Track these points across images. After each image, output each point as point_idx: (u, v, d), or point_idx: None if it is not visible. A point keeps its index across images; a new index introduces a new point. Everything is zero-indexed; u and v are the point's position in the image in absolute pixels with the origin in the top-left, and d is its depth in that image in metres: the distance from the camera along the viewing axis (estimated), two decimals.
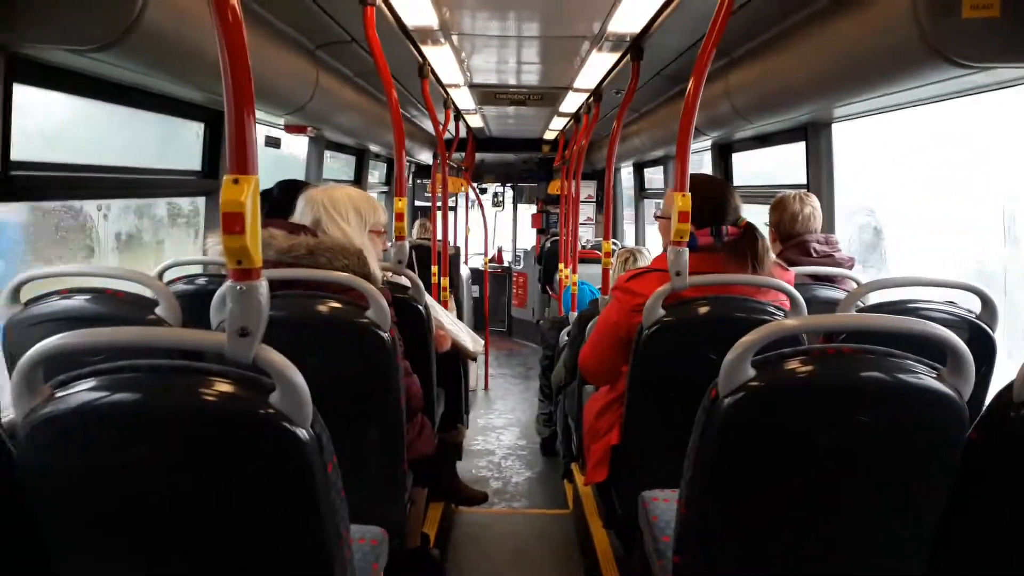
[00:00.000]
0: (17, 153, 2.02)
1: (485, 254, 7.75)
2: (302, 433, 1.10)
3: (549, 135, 7.64)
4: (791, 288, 1.96)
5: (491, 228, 8.77)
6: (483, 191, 9.87)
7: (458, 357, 3.21)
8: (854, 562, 1.38)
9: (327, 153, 4.88)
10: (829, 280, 2.68)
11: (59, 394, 1.10)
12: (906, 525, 1.33)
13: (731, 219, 2.09)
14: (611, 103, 4.78)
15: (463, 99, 5.19)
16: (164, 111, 2.88)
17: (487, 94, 5.01)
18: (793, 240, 2.81)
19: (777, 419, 1.29)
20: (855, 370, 1.27)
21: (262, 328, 1.10)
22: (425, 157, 7.63)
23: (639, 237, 7.31)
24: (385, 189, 6.99)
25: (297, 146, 4.66)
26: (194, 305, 2.12)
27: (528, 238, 9.96)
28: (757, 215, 3.13)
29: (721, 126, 3.79)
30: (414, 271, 2.61)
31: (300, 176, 4.51)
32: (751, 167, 4.40)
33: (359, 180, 5.85)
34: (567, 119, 6.13)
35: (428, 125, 6.50)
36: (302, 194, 2.18)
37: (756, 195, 4.20)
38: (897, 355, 1.27)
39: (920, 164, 3.52)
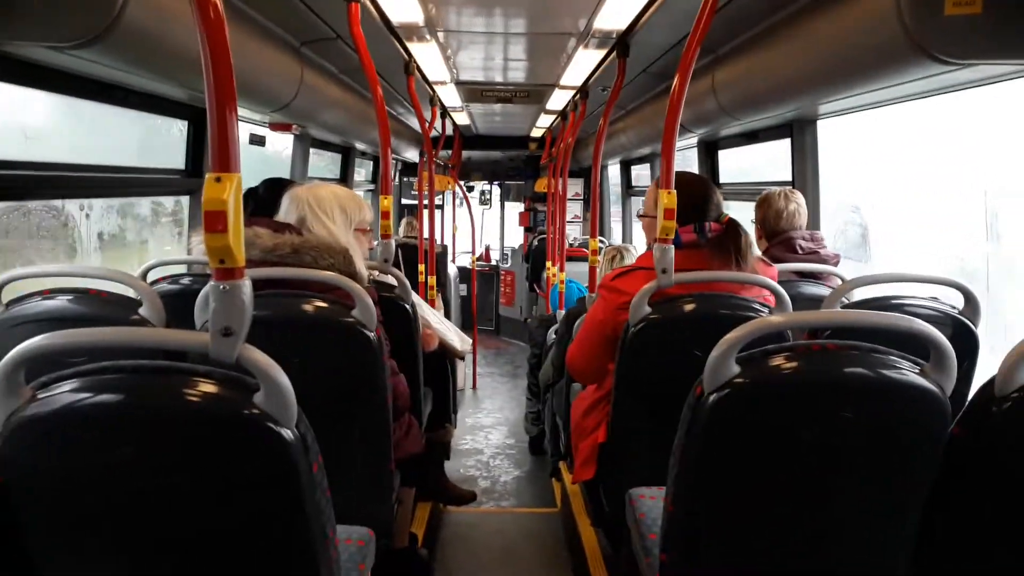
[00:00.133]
0: None
1: (472, 252, 7.74)
2: (287, 433, 1.09)
3: (536, 132, 7.64)
4: (776, 285, 1.97)
5: (478, 226, 8.76)
6: (470, 189, 9.86)
7: (446, 356, 3.20)
8: (839, 558, 1.39)
9: (312, 151, 4.86)
10: (814, 277, 2.69)
11: (41, 395, 1.09)
12: (890, 520, 1.34)
13: (714, 215, 2.10)
14: (598, 100, 4.78)
15: (449, 96, 5.18)
16: (147, 109, 2.86)
17: (473, 91, 5.00)
18: (778, 237, 2.82)
19: (762, 415, 1.30)
20: (839, 366, 1.28)
21: (246, 328, 1.10)
22: (412, 155, 7.61)
23: (626, 235, 7.33)
24: (371, 187, 6.96)
25: (282, 144, 4.64)
26: (178, 305, 2.10)
27: (515, 236, 9.96)
28: (743, 212, 3.15)
29: (707, 123, 3.80)
30: (400, 270, 2.60)
31: (285, 174, 4.50)
32: (741, 164, 4.41)
33: (345, 178, 5.82)
34: (554, 116, 6.13)
35: (414, 122, 6.48)
36: (287, 192, 2.17)
37: (742, 192, 4.22)
38: (881, 351, 1.28)
39: (904, 160, 3.54)
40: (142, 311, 1.89)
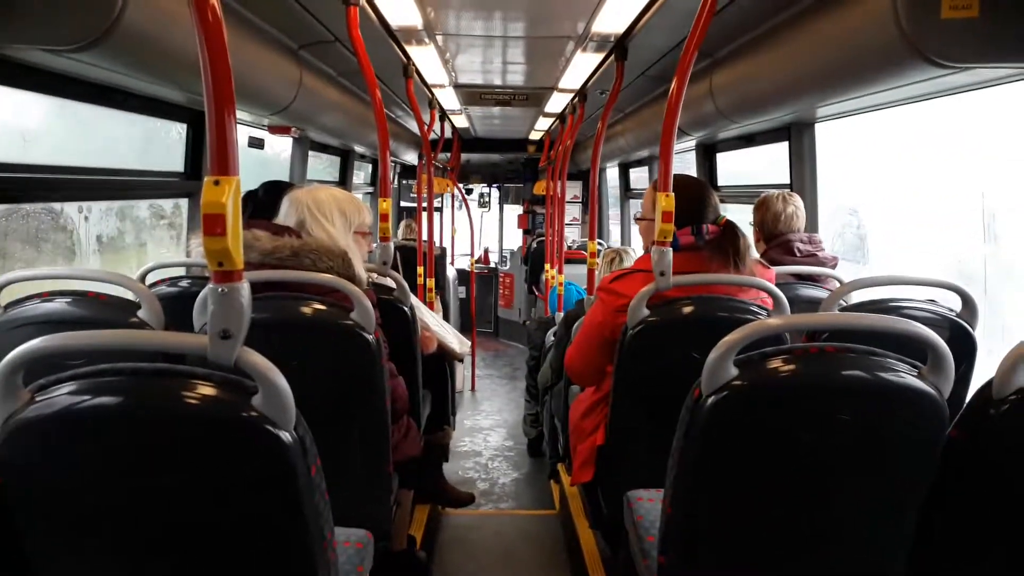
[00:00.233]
0: None
1: (471, 255, 7.74)
2: (285, 436, 1.09)
3: (534, 135, 7.65)
4: (774, 287, 1.98)
5: (477, 229, 8.76)
6: (469, 192, 9.87)
7: (444, 358, 3.20)
8: (837, 559, 1.39)
9: (311, 153, 4.86)
10: (812, 279, 2.69)
11: (39, 398, 1.09)
12: (887, 522, 1.34)
13: (711, 218, 2.10)
14: (596, 103, 4.79)
15: (448, 99, 5.18)
16: (146, 112, 2.86)
17: (472, 94, 5.01)
18: (776, 239, 2.82)
19: (759, 418, 1.30)
20: (837, 369, 1.28)
21: (244, 330, 1.10)
22: (411, 158, 7.61)
23: (625, 237, 7.33)
24: (370, 190, 6.97)
25: (281, 146, 4.64)
26: (177, 307, 2.10)
27: (514, 239, 9.96)
28: (741, 215, 3.16)
29: (705, 126, 3.80)
30: (399, 272, 2.60)
31: (284, 177, 4.50)
32: (740, 167, 4.42)
33: (344, 181, 5.83)
34: (552, 119, 6.14)
35: (413, 125, 6.48)
36: (286, 195, 2.17)
37: (740, 195, 4.23)
38: (879, 354, 1.28)
39: (902, 163, 3.55)
40: (141, 314, 1.89)
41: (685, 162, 4.78)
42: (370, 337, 1.84)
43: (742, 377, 1.28)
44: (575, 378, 2.43)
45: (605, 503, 2.18)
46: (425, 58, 3.71)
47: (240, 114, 3.31)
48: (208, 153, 1.07)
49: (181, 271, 2.76)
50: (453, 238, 8.55)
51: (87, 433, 1.09)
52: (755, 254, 2.19)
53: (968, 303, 2.03)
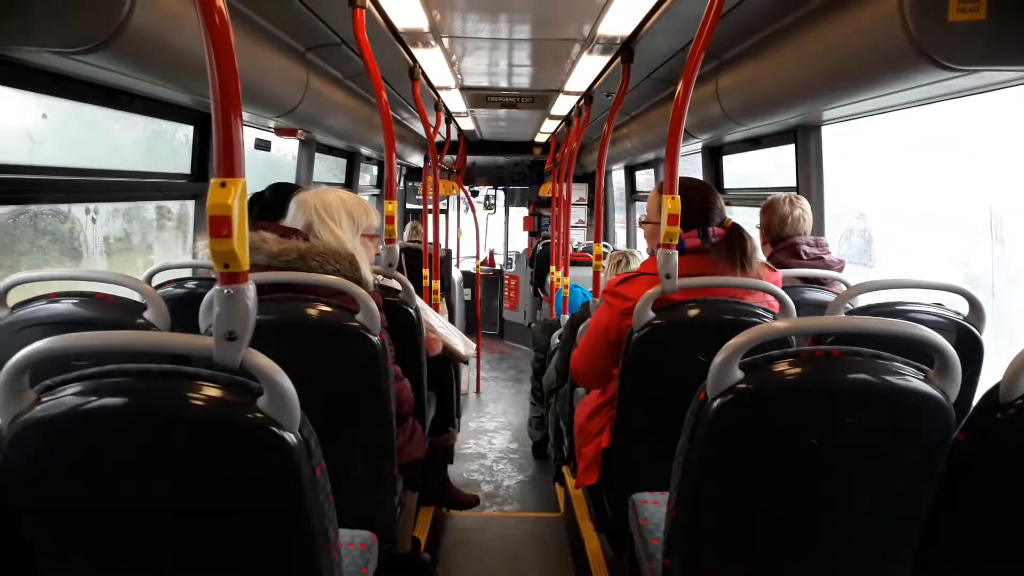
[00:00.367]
0: (1, 156, 2.01)
1: (477, 257, 7.75)
2: (290, 437, 1.09)
3: (540, 138, 7.65)
4: (780, 290, 1.97)
5: (483, 231, 8.77)
6: (475, 194, 9.88)
7: (449, 360, 3.20)
8: (842, 562, 1.39)
9: (317, 155, 4.87)
10: (819, 282, 2.69)
11: (46, 399, 1.09)
12: (893, 525, 1.33)
13: (717, 220, 2.10)
14: (602, 106, 4.79)
15: (454, 101, 5.19)
16: (152, 114, 2.87)
17: (478, 96, 5.01)
18: (783, 242, 2.82)
19: (765, 421, 1.30)
20: (843, 372, 1.27)
21: (249, 332, 1.10)
22: (416, 160, 7.62)
23: (630, 240, 7.33)
24: (376, 192, 6.98)
25: (288, 147, 4.65)
26: (184, 309, 2.11)
27: (520, 241, 9.96)
28: (748, 217, 3.15)
29: (711, 129, 3.80)
30: (405, 274, 2.61)
31: (291, 178, 4.51)
32: (747, 170, 4.41)
33: (350, 183, 5.84)
34: (558, 122, 6.14)
35: (419, 127, 6.49)
36: (294, 197, 2.17)
37: (746, 197, 4.22)
38: (885, 357, 1.28)
39: (910, 165, 3.54)
40: (147, 315, 1.90)
41: (692, 164, 4.77)
42: (375, 339, 1.85)
43: (748, 380, 1.27)
44: (580, 381, 2.43)
45: (610, 506, 2.17)
46: (431, 60, 3.71)
47: (247, 116, 3.32)
48: (214, 155, 1.07)
49: (188, 272, 2.77)
50: (459, 240, 8.55)
51: (93, 434, 1.10)
52: (761, 257, 2.18)
53: (975, 306, 2.02)
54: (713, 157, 4.53)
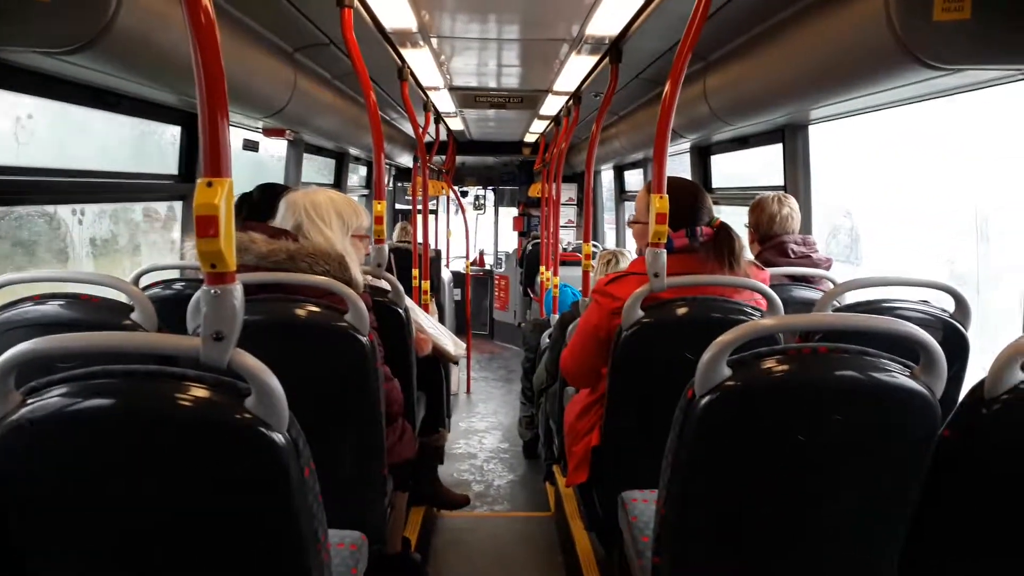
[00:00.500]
0: None
1: (467, 257, 7.74)
2: (278, 437, 1.09)
3: (529, 138, 7.65)
4: (767, 288, 1.98)
5: (472, 231, 8.76)
6: (464, 194, 9.87)
7: (439, 361, 3.20)
8: (830, 558, 1.40)
9: (306, 156, 4.86)
10: (806, 280, 2.70)
11: (31, 400, 1.08)
12: (880, 521, 1.34)
13: (705, 219, 2.11)
14: (591, 106, 4.80)
15: (443, 102, 5.19)
16: (139, 114, 2.86)
17: (467, 97, 5.01)
18: (771, 241, 2.83)
19: (753, 418, 1.30)
20: (830, 369, 1.28)
21: (237, 332, 1.09)
22: (405, 160, 7.61)
23: (620, 239, 7.34)
24: (366, 192, 6.96)
25: (276, 148, 4.63)
26: (171, 310, 2.10)
27: (509, 241, 9.97)
28: (736, 216, 3.16)
29: (699, 128, 3.81)
30: (394, 274, 2.60)
31: (280, 178, 4.50)
32: (735, 169, 4.43)
33: (339, 183, 5.82)
34: (547, 122, 6.14)
35: (408, 128, 6.48)
36: (283, 198, 2.17)
37: (734, 197, 4.24)
38: (872, 354, 1.28)
39: (896, 164, 3.56)
40: (134, 316, 1.88)
41: (680, 164, 4.78)
42: (364, 339, 1.84)
43: (735, 378, 1.28)
44: (570, 380, 2.43)
45: (600, 504, 2.18)
46: (420, 61, 3.71)
47: (235, 116, 3.31)
48: (201, 155, 1.07)
49: (176, 274, 2.76)
50: (448, 240, 8.54)
51: (79, 435, 1.09)
52: (749, 255, 2.19)
53: (961, 304, 2.04)
54: (701, 156, 4.54)
